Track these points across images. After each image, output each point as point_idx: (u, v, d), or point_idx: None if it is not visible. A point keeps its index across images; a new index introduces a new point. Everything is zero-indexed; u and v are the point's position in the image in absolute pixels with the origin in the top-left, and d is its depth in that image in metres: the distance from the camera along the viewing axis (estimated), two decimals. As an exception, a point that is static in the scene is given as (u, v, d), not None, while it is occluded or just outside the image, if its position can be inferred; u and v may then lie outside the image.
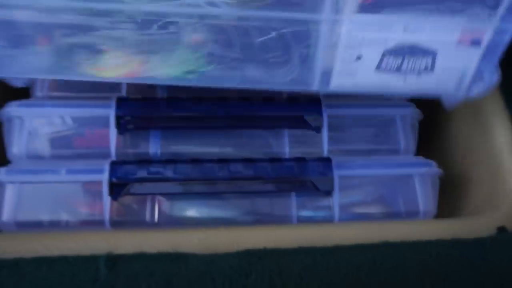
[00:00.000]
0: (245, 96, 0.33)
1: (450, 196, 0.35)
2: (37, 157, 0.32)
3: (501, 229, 0.27)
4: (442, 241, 0.25)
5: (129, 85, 0.34)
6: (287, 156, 0.33)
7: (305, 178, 0.30)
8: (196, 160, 0.30)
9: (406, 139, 0.34)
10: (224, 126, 0.33)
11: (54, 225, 0.30)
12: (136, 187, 0.30)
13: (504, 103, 0.32)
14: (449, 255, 0.24)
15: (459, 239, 0.25)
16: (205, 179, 0.30)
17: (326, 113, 0.33)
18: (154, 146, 0.33)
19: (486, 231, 0.27)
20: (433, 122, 0.38)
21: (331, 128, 0.33)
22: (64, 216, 0.30)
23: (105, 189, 0.29)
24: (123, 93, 0.34)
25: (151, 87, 0.35)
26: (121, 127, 0.32)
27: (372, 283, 0.24)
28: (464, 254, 0.25)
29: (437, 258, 0.24)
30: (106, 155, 0.32)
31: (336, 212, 0.31)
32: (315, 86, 0.28)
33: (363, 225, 0.28)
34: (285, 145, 0.34)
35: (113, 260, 0.24)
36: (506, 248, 0.26)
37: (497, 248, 0.26)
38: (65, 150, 0.32)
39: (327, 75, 0.28)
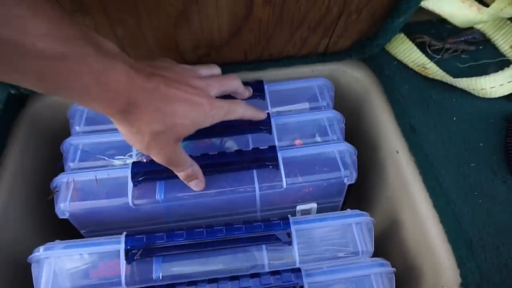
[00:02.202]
0: (228, 222, 0.41)
1: (408, 285, 0.42)
2: None
3: (442, 319, 0.34)
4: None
5: (134, 191, 0.43)
6: (266, 267, 0.40)
7: (281, 287, 0.37)
8: (191, 282, 0.37)
9: (364, 242, 0.42)
10: (213, 248, 0.40)
11: None
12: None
13: (432, 202, 0.40)
14: None
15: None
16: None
17: (294, 228, 0.41)
18: (157, 272, 0.40)
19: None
20: (386, 227, 0.46)
21: (300, 241, 0.40)
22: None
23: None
24: (129, 197, 0.42)
25: (152, 190, 0.43)
26: (129, 258, 0.39)
27: None
28: None
29: None
30: (118, 282, 0.39)
31: (310, 313, 0.37)
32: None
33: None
34: (264, 257, 0.41)
35: None
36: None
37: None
38: (83, 281, 0.39)
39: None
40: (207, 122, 0.39)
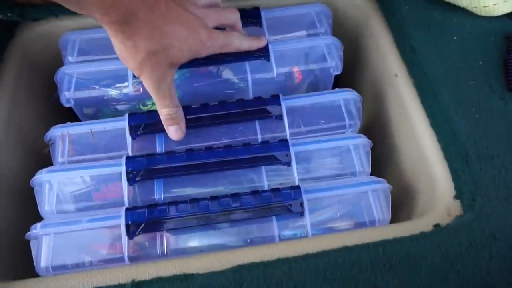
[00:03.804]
0: (227, 144, 0.41)
1: (404, 208, 0.43)
2: (64, 211, 0.39)
3: (436, 226, 0.35)
4: (387, 240, 0.33)
5: (133, 144, 0.42)
6: (266, 187, 0.41)
7: (281, 204, 0.38)
8: (193, 200, 0.38)
9: (361, 163, 0.42)
10: (213, 170, 0.41)
11: (83, 266, 0.37)
12: (147, 227, 0.37)
13: (430, 121, 0.41)
14: (392, 250, 0.32)
15: (400, 237, 0.33)
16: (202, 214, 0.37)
17: (293, 149, 0.41)
18: (158, 193, 0.40)
19: (426, 228, 0.35)
20: (384, 150, 0.47)
21: (298, 161, 0.41)
22: (90, 258, 0.37)
23: (123, 231, 0.37)
24: (129, 151, 0.42)
25: (152, 143, 0.43)
26: (131, 180, 0.39)
27: (336, 279, 0.31)
28: (402, 248, 0.32)
29: (383, 254, 0.32)
30: (120, 204, 0.39)
31: (309, 229, 0.38)
32: None
33: (328, 237, 0.35)
34: (264, 179, 0.42)
35: (137, 285, 0.31)
36: (435, 239, 0.34)
37: (427, 240, 0.33)
38: (87, 203, 0.40)
39: None
40: (203, 52, 0.38)
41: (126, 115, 0.42)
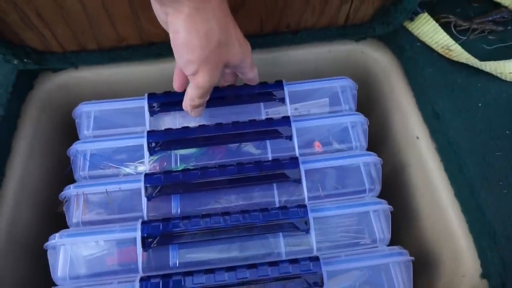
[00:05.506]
0: (244, 209, 0.40)
1: (425, 275, 0.42)
2: (77, 277, 0.38)
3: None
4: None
5: (148, 205, 0.41)
6: (283, 254, 0.40)
7: (299, 276, 0.37)
8: (208, 270, 0.37)
9: (381, 229, 0.41)
10: (229, 236, 0.39)
11: None
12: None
13: (454, 191, 0.40)
14: None
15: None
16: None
17: (311, 215, 0.40)
18: (173, 258, 0.39)
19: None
20: (404, 214, 0.45)
21: (317, 227, 0.40)
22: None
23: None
24: (144, 213, 0.41)
25: (167, 204, 0.42)
26: (146, 245, 0.39)
27: None
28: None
29: None
30: (134, 268, 0.38)
31: (328, 301, 0.37)
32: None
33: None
34: (281, 245, 0.40)
35: None
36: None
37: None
38: (100, 268, 0.39)
39: None
40: (245, 62, 0.38)
41: (142, 176, 0.42)
